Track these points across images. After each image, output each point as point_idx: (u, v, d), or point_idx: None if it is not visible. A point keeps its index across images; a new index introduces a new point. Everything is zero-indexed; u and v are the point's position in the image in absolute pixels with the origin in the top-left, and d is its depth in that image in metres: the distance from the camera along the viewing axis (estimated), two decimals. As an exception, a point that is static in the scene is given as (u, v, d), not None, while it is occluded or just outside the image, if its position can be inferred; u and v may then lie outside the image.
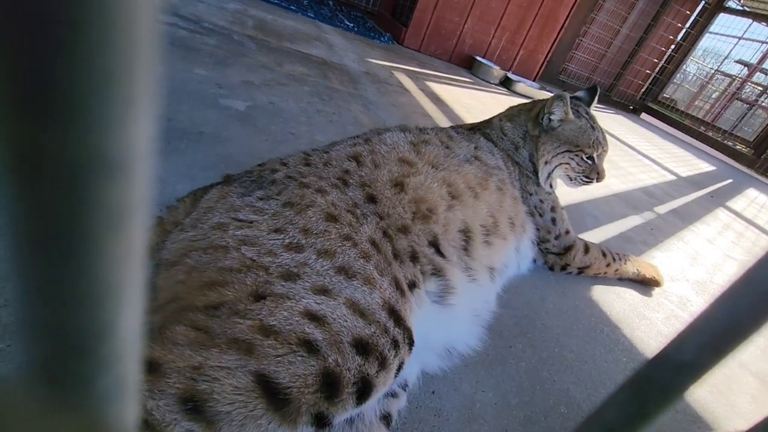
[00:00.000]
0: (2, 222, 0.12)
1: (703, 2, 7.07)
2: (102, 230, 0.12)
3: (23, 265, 0.12)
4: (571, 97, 1.42)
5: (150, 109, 0.12)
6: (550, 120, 1.36)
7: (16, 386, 0.14)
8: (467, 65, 5.15)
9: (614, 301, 1.43)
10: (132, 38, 0.10)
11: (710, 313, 0.15)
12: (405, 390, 0.80)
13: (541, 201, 1.34)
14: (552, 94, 1.38)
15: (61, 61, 0.10)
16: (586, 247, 1.43)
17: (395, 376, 0.63)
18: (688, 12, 7.13)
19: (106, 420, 0.15)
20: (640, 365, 0.18)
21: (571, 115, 1.37)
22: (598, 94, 1.58)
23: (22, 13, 0.09)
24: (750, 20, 7.57)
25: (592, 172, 1.40)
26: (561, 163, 1.38)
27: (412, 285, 0.79)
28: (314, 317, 0.58)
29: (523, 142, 1.39)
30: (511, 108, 1.51)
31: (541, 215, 1.33)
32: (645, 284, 1.59)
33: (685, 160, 4.84)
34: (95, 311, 0.13)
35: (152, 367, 0.48)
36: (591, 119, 1.42)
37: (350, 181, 0.88)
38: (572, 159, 1.37)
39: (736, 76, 9.37)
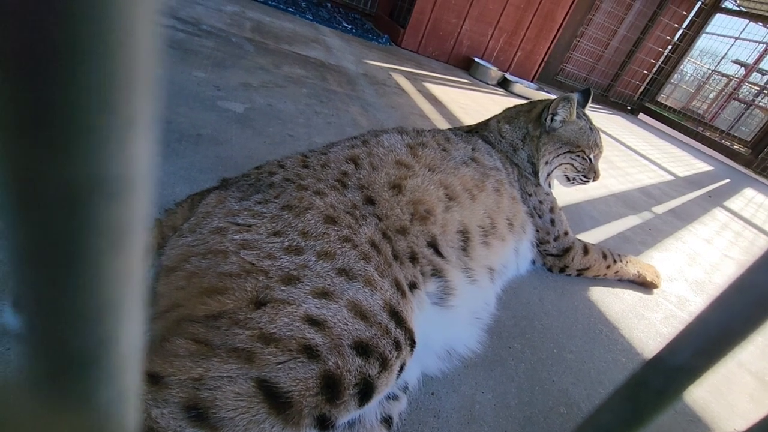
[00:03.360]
0: (1, 226, 0.12)
1: (700, 3, 7.10)
2: (102, 248, 0.12)
3: (26, 282, 0.12)
4: (570, 99, 1.43)
5: (150, 130, 0.12)
6: (553, 120, 1.37)
7: (17, 391, 0.14)
8: (465, 66, 5.16)
9: (613, 301, 1.43)
10: (131, 63, 0.11)
11: (704, 317, 0.16)
12: (405, 392, 0.80)
13: (540, 202, 1.35)
14: (548, 95, 1.39)
15: (61, 85, 0.10)
16: (586, 249, 1.43)
17: (397, 377, 0.63)
18: (684, 12, 7.15)
19: (108, 429, 0.15)
20: (637, 367, 0.18)
21: (574, 116, 1.38)
22: (591, 95, 1.60)
23: (23, 39, 0.10)
24: (747, 20, 7.60)
25: (589, 172, 1.42)
26: (562, 164, 1.39)
27: (413, 286, 0.79)
28: (315, 322, 0.58)
29: (522, 144, 1.40)
30: (509, 109, 1.51)
31: (540, 216, 1.33)
32: (644, 286, 1.59)
33: (682, 160, 4.86)
34: (96, 326, 0.13)
35: (154, 380, 0.49)
36: (589, 120, 1.43)
37: (348, 183, 0.88)
38: (574, 159, 1.38)
39: (733, 77, 9.41)
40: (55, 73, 0.10)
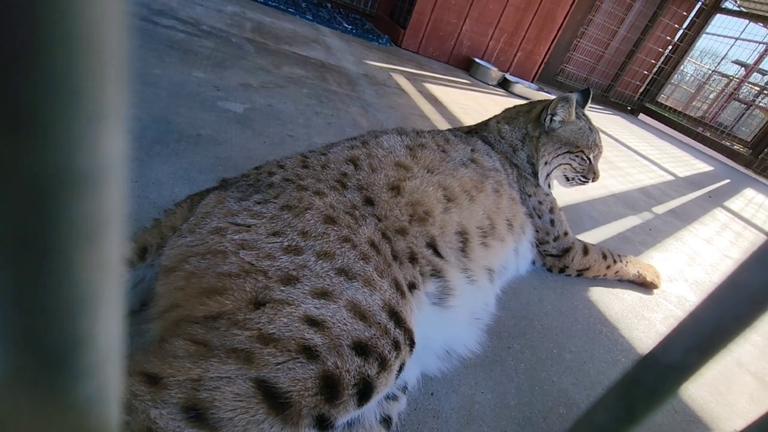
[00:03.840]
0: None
1: (700, 3, 7.10)
2: (75, 242, 0.12)
3: None
4: (569, 99, 1.43)
5: (120, 123, 0.12)
6: (552, 121, 1.37)
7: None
8: (465, 67, 5.16)
9: (612, 301, 1.43)
10: (99, 55, 0.11)
11: (697, 315, 0.16)
12: (405, 392, 0.80)
13: (540, 202, 1.35)
14: (549, 95, 1.39)
15: (27, 77, 0.10)
16: (585, 249, 1.43)
17: (396, 377, 0.64)
18: (684, 13, 7.15)
19: (89, 425, 0.15)
20: (631, 365, 0.18)
21: (573, 117, 1.38)
22: (591, 96, 1.60)
23: None
24: (747, 21, 7.60)
25: (589, 173, 1.41)
26: (561, 164, 1.39)
27: (412, 286, 0.79)
28: (314, 322, 0.58)
29: (522, 144, 1.40)
30: (508, 110, 1.51)
31: (539, 216, 1.34)
32: (644, 286, 1.59)
33: (682, 161, 4.86)
34: (72, 322, 0.13)
35: (153, 380, 0.49)
36: (588, 120, 1.43)
37: (348, 183, 0.88)
38: (573, 160, 1.38)
39: (734, 77, 9.41)
40: (21, 65, 0.10)
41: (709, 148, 6.74)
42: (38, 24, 0.10)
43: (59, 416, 0.14)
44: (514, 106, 1.53)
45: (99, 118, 0.11)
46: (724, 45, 9.08)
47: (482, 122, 1.50)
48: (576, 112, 1.40)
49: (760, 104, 8.61)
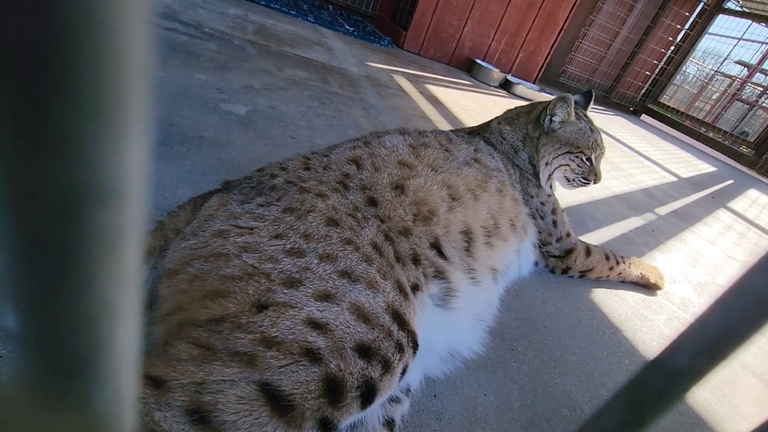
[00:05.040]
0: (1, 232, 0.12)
1: (702, 3, 7.08)
2: (96, 254, 0.12)
3: (20, 286, 0.12)
4: (570, 100, 1.43)
5: (142, 137, 0.12)
6: (551, 121, 1.37)
7: (17, 394, 0.14)
8: (467, 68, 5.16)
9: (615, 303, 1.43)
10: (124, 69, 0.11)
11: (704, 319, 0.16)
12: (408, 395, 0.80)
13: (542, 203, 1.35)
14: (550, 96, 1.39)
15: (53, 91, 0.10)
16: (588, 251, 1.43)
17: (399, 380, 0.63)
18: (687, 13, 7.14)
19: (105, 429, 0.15)
20: (639, 369, 0.18)
21: (573, 117, 1.38)
22: (593, 97, 1.59)
23: (14, 46, 0.10)
24: (749, 21, 7.58)
25: (590, 174, 1.41)
26: (561, 165, 1.38)
27: (415, 288, 0.79)
28: (317, 325, 0.58)
29: (523, 145, 1.40)
30: (509, 111, 1.51)
31: (542, 218, 1.33)
32: (647, 287, 1.59)
33: (685, 161, 4.84)
34: (91, 330, 0.13)
35: (157, 383, 0.49)
36: (590, 121, 1.43)
37: (350, 184, 0.88)
38: (572, 160, 1.38)
39: (736, 77, 9.38)
40: (47, 79, 0.10)
41: (712, 148, 6.72)
42: (64, 39, 0.10)
43: (77, 421, 0.15)
44: (515, 107, 1.53)
45: (123, 132, 0.12)
46: (726, 45, 9.07)
47: (484, 123, 1.50)
48: (576, 113, 1.39)
49: (764, 104, 8.58)
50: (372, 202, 0.86)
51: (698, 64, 10.65)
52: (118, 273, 0.13)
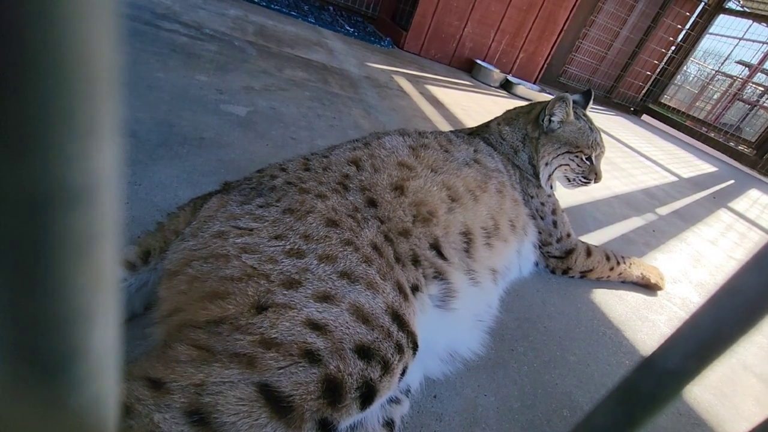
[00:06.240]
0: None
1: (703, 3, 7.08)
2: (67, 256, 0.12)
3: None
4: (570, 100, 1.43)
5: (112, 139, 0.12)
6: (550, 121, 1.37)
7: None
8: (467, 68, 5.16)
9: (616, 303, 1.43)
10: (89, 73, 0.11)
11: (695, 320, 0.16)
12: (408, 395, 0.80)
13: (542, 204, 1.35)
14: (552, 97, 1.39)
15: (17, 93, 0.10)
16: (588, 251, 1.43)
17: (399, 381, 0.63)
18: (687, 13, 7.13)
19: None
20: (630, 370, 0.18)
21: (572, 117, 1.38)
22: (592, 96, 1.59)
23: None
24: (750, 21, 7.56)
25: (590, 173, 1.41)
26: (561, 164, 1.38)
27: (415, 288, 0.79)
28: (316, 326, 0.58)
29: (522, 145, 1.40)
30: (509, 111, 1.51)
31: (542, 218, 1.33)
32: (648, 288, 1.58)
33: (686, 161, 4.83)
34: (66, 333, 0.13)
35: (156, 385, 0.49)
36: (589, 121, 1.43)
37: (350, 185, 0.88)
38: (572, 160, 1.38)
39: (737, 77, 9.36)
40: (14, 84, 0.10)
41: (713, 148, 6.70)
42: (29, 44, 0.10)
43: (56, 424, 0.15)
44: (515, 108, 1.53)
45: (91, 135, 0.11)
46: (727, 45, 9.02)
47: (483, 124, 1.50)
48: (575, 112, 1.39)
49: (765, 104, 8.56)
50: (372, 203, 0.86)
51: (699, 64, 10.64)
52: (92, 275, 0.13)
